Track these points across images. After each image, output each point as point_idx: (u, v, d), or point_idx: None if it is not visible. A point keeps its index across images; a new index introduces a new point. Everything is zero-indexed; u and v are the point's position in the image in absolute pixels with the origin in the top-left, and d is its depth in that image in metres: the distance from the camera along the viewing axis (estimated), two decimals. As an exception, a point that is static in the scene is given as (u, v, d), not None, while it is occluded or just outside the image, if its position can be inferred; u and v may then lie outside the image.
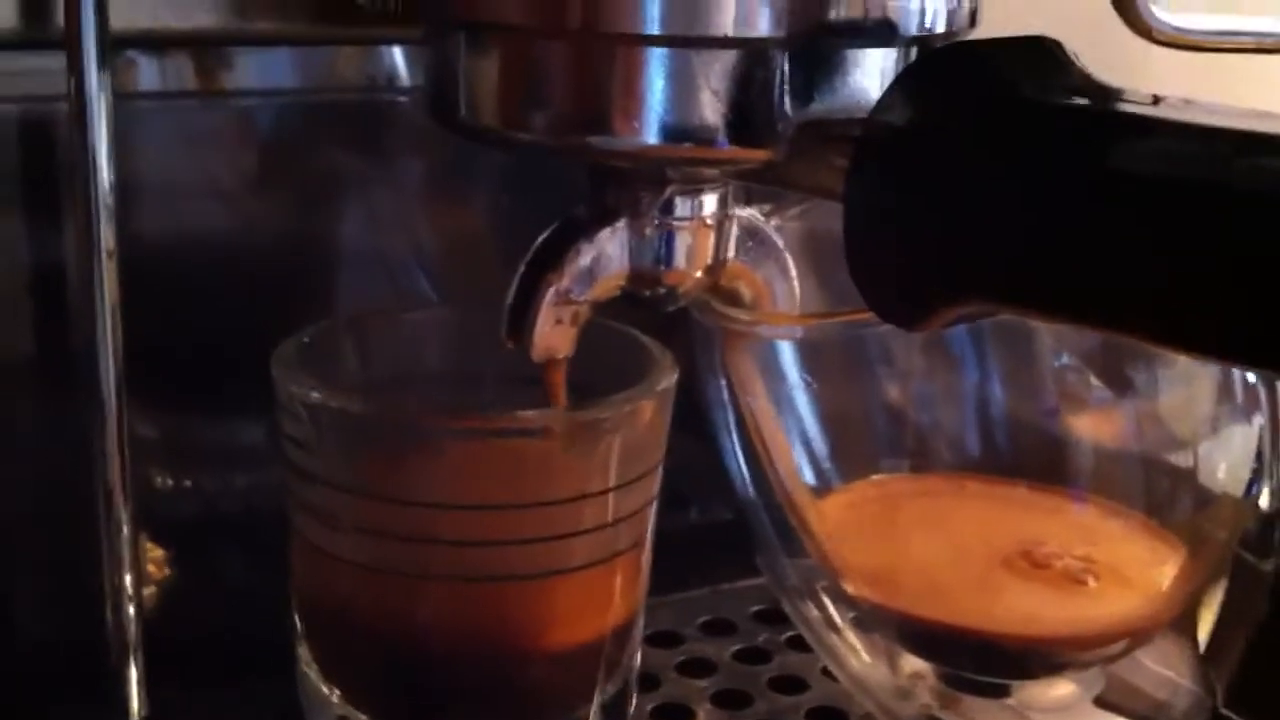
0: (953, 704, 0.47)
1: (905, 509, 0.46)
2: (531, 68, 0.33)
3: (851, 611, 0.46)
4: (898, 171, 0.30)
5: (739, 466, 0.44)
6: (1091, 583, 0.43)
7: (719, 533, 0.49)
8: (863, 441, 0.46)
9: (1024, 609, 0.44)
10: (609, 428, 0.36)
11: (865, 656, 0.46)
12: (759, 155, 0.33)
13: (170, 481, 0.56)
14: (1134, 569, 0.44)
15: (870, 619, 0.45)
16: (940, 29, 0.33)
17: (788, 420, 0.44)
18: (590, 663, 0.38)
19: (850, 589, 0.45)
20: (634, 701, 0.41)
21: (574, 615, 0.37)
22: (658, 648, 0.54)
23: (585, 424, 0.36)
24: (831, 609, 0.46)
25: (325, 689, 0.38)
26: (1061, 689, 0.46)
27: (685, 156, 0.33)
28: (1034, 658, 0.45)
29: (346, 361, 0.39)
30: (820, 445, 0.45)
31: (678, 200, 0.36)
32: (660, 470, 0.39)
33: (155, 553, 0.51)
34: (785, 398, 0.44)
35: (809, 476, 0.45)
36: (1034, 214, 0.28)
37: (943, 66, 0.30)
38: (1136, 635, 0.44)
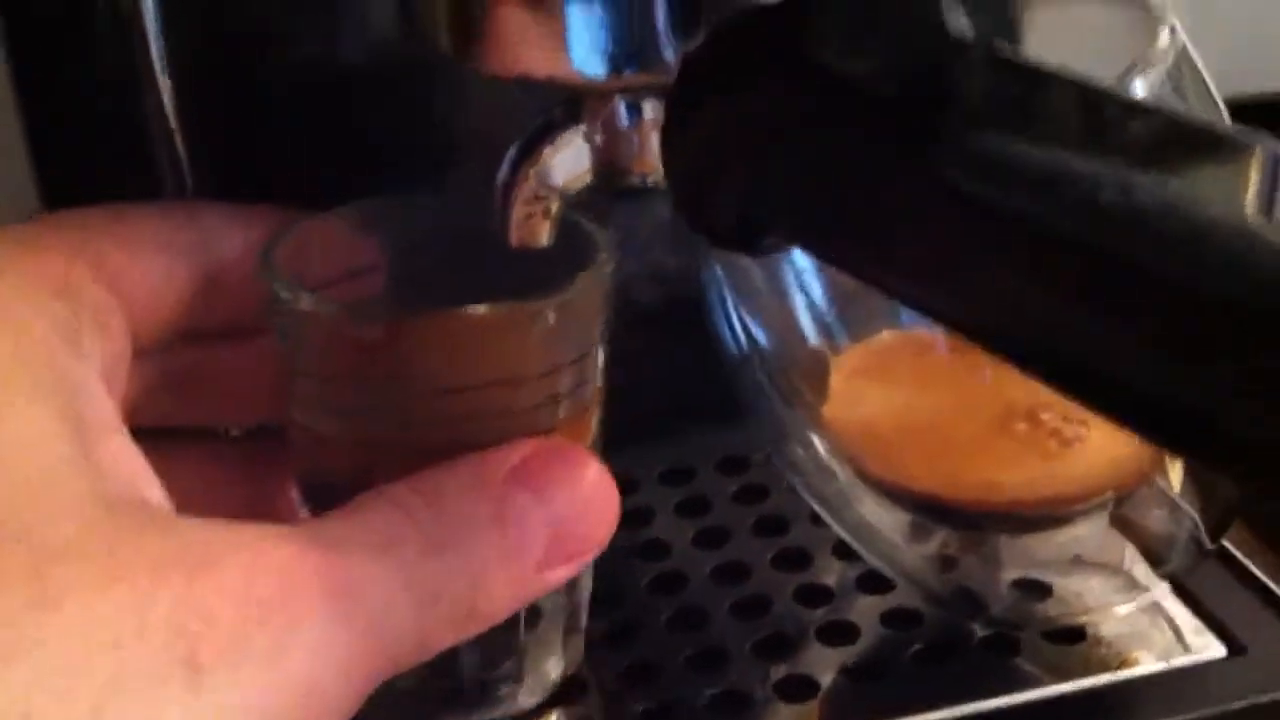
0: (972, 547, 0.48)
1: (907, 369, 0.47)
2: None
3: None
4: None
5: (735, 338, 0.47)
6: (1077, 445, 0.44)
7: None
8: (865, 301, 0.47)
9: (1021, 476, 0.45)
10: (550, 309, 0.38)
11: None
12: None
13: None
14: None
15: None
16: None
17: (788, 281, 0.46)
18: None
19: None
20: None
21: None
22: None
23: (522, 314, 0.38)
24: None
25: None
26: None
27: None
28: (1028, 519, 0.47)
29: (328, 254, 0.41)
30: (824, 306, 0.46)
31: (646, 104, 0.38)
32: (601, 344, 0.41)
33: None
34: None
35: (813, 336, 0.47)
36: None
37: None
38: (1121, 489, 0.45)
